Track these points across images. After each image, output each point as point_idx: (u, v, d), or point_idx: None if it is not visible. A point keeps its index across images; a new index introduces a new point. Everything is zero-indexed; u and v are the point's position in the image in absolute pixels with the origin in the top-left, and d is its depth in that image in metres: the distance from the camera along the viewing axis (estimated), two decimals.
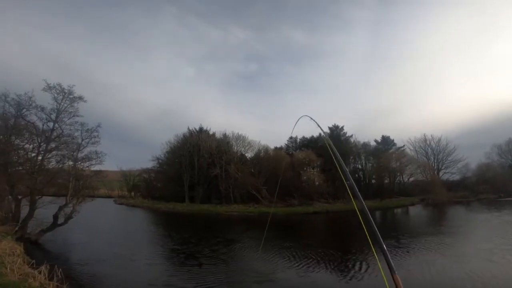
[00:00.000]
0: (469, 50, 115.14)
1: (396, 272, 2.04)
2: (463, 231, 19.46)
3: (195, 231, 21.63)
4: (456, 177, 49.17)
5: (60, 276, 8.46)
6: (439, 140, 49.72)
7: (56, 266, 9.03)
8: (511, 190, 41.86)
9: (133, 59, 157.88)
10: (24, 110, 16.10)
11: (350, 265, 12.03)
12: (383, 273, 2.22)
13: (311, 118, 5.57)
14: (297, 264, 12.10)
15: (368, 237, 2.46)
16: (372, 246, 2.47)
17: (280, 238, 17.67)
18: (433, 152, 50.19)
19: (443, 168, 49.57)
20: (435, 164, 49.74)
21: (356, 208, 2.77)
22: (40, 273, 8.72)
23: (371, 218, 2.44)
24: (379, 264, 2.38)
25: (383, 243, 2.21)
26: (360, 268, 11.48)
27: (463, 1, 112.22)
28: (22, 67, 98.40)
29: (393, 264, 2.07)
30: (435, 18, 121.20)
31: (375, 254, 2.64)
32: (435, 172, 48.07)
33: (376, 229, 2.34)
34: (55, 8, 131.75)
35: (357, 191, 2.90)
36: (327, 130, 50.91)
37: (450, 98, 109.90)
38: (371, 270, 10.97)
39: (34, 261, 9.90)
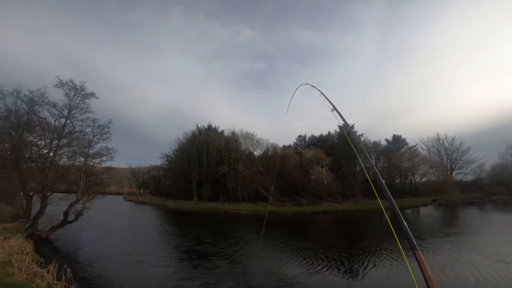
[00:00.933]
0: (481, 48, 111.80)
1: (418, 249, 2.05)
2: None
3: (206, 230, 21.29)
4: (470, 177, 48.22)
5: (68, 276, 8.30)
6: (453, 139, 48.56)
7: (65, 265, 8.90)
8: None
9: (142, 57, 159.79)
10: (37, 106, 16.16)
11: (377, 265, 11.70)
12: (404, 254, 2.43)
13: (313, 86, 5.10)
14: (317, 267, 11.62)
15: (389, 222, 2.52)
16: (392, 229, 2.47)
17: (297, 238, 17.41)
18: (446, 152, 49.07)
19: (456, 168, 48.46)
20: (448, 164, 48.61)
21: (378, 199, 2.89)
22: (48, 272, 8.47)
23: (395, 205, 2.52)
24: (398, 243, 2.51)
25: (406, 224, 2.27)
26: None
27: (474, 1, 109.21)
28: (34, 64, 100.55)
29: (415, 243, 2.12)
30: (445, 16, 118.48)
31: (395, 235, 2.51)
32: (448, 172, 46.93)
33: (400, 213, 2.39)
34: (67, 7, 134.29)
35: (384, 184, 2.87)
36: (337, 129, 50.31)
37: (462, 98, 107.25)
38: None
39: (43, 259, 9.80)
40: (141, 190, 53.60)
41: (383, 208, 2.81)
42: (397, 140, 50.93)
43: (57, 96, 16.35)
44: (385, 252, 13.25)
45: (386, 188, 2.83)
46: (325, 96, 4.49)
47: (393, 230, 2.48)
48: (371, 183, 3.25)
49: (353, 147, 3.58)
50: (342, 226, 25.87)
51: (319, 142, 49.30)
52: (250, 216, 31.14)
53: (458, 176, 48.28)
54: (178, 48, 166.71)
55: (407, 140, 51.21)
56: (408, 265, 2.20)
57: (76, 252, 13.75)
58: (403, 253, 2.37)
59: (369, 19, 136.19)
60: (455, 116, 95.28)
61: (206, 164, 42.60)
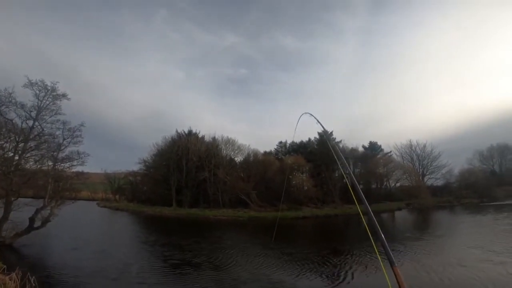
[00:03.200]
0: (456, 58, 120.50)
1: (396, 265, 2.12)
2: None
3: (187, 236, 20.44)
4: (440, 182, 50.64)
5: (33, 284, 7.92)
6: (424, 146, 51.21)
7: (28, 273, 8.40)
8: (493, 195, 43.41)
9: (123, 60, 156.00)
10: (3, 106, 15.18)
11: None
12: (383, 266, 2.39)
13: (311, 115, 5.67)
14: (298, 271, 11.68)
15: (369, 234, 2.59)
16: (373, 242, 2.54)
17: (278, 243, 17.35)
18: (418, 158, 51.61)
19: (427, 173, 50.95)
20: (420, 169, 51.02)
21: (358, 207, 3.00)
22: (11, 279, 8.18)
23: (373, 216, 2.62)
24: (379, 258, 2.60)
25: (383, 238, 2.32)
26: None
27: (451, 11, 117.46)
28: (6, 65, 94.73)
29: (393, 257, 2.16)
30: (423, 27, 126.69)
31: (376, 250, 2.70)
32: (420, 177, 49.19)
33: (378, 225, 2.43)
34: (45, 6, 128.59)
35: (361, 192, 3.00)
36: (316, 136, 51.46)
37: (434, 105, 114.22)
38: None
39: (5, 266, 9.31)
40: (117, 196, 51.54)
41: (362, 216, 2.89)
42: (373, 147, 52.87)
43: (26, 96, 15.47)
44: (363, 256, 13.63)
45: (362, 194, 2.99)
46: (322, 126, 5.03)
47: (373, 243, 2.57)
48: (350, 190, 3.38)
49: (335, 155, 3.81)
50: (321, 230, 26.29)
51: (300, 149, 50.05)
52: (230, 222, 30.93)
53: (429, 181, 50.81)
54: (160, 51, 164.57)
55: (382, 147, 53.43)
56: (386, 277, 2.27)
57: (43, 260, 13.09)
58: (382, 265, 2.37)
59: (351, 28, 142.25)
60: (427, 123, 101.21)
61: (186, 169, 41.82)
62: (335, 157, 3.83)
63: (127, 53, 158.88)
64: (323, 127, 5.00)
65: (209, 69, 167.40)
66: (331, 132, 51.34)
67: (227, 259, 13.71)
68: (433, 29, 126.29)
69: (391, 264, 2.15)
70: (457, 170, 50.90)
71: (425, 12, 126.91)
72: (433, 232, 21.50)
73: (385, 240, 2.32)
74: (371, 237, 2.59)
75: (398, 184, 49.45)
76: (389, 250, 2.27)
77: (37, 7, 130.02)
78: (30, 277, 8.26)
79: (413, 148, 51.99)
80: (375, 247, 2.63)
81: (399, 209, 40.82)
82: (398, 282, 2.02)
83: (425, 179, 50.28)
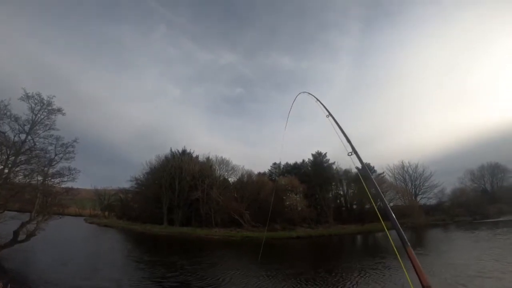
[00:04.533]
0: (448, 77, 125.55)
1: (409, 245, 2.27)
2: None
3: (180, 255, 19.63)
4: (433, 201, 50.62)
5: None
6: (416, 166, 51.71)
7: (9, 285, 8.30)
8: (485, 213, 43.63)
9: (120, 74, 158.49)
10: None
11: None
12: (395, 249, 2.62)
13: (309, 93, 5.53)
14: None
15: (379, 215, 2.92)
16: (384, 226, 2.87)
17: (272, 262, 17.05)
18: (410, 178, 51.88)
19: (420, 193, 51.03)
20: (413, 189, 51.18)
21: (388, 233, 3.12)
22: None
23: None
24: (391, 242, 2.79)
25: (396, 220, 2.55)
26: None
27: (440, 32, 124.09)
28: (4, 76, 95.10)
29: (406, 238, 2.31)
30: (413, 48, 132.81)
31: (388, 234, 2.98)
32: (413, 197, 49.31)
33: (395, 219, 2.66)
34: (43, 16, 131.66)
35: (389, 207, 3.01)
36: (310, 157, 51.96)
37: (429, 125, 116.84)
38: None
39: None
40: (106, 213, 50.30)
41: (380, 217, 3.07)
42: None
43: (20, 109, 15.63)
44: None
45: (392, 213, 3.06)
46: (321, 104, 4.77)
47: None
48: (373, 205, 3.47)
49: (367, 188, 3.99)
50: (316, 250, 25.89)
51: (294, 170, 50.34)
52: (223, 241, 30.40)
53: (422, 200, 50.70)
54: (158, 67, 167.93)
55: (375, 168, 53.82)
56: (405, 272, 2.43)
57: (24, 274, 12.79)
58: (397, 253, 2.55)
59: (345, 47, 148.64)
60: (420, 142, 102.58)
61: (178, 188, 41.41)
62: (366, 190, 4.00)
63: (125, 67, 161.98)
64: (323, 105, 4.69)
65: (205, 87, 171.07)
66: (325, 154, 52.07)
67: (224, 278, 13.45)
68: (423, 49, 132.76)
69: (404, 245, 2.35)
70: (449, 189, 51.33)
71: (415, 32, 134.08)
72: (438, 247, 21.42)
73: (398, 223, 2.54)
74: (381, 219, 2.91)
75: (391, 204, 49.40)
76: (402, 232, 2.50)
77: (38, 20, 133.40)
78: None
79: (405, 168, 52.53)
80: (387, 233, 2.96)
81: (393, 228, 40.41)
82: (412, 262, 2.21)
83: (418, 198, 50.36)
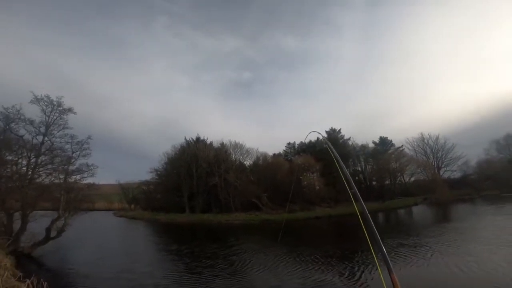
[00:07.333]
0: (463, 46, 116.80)
1: (394, 272, 2.12)
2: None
3: (205, 243, 19.42)
4: (457, 174, 48.82)
5: None
6: (437, 138, 49.63)
7: (41, 279, 8.90)
8: None
9: (129, 70, 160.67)
10: (13, 123, 15.95)
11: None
12: (381, 274, 2.35)
13: (319, 133, 6.99)
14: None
15: (369, 242, 2.61)
16: (372, 249, 2.62)
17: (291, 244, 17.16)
18: (432, 150, 49.97)
19: (443, 166, 49.19)
20: (435, 162, 49.36)
21: (361, 220, 2.87)
22: (26, 285, 8.79)
23: (374, 227, 2.57)
24: (378, 267, 2.67)
25: (383, 246, 2.31)
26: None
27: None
28: (16, 79, 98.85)
29: (391, 265, 2.15)
30: (426, 16, 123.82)
31: (375, 257, 2.84)
32: (436, 171, 47.62)
33: (378, 235, 2.45)
34: (49, 20, 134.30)
35: (360, 198, 3.03)
36: (324, 135, 50.91)
37: (445, 96, 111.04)
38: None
39: (21, 274, 9.84)
40: (132, 205, 52.73)
41: (362, 223, 2.85)
42: (384, 142, 51.67)
43: (33, 112, 16.19)
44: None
45: (360, 197, 3.04)
46: (329, 145, 5.14)
47: (371, 248, 2.62)
48: (351, 196, 3.38)
49: (339, 168, 3.90)
50: (336, 230, 25.93)
51: (309, 148, 49.61)
52: (243, 226, 30.87)
53: (446, 173, 49.04)
54: (164, 60, 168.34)
55: (393, 142, 52.11)
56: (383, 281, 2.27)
57: (60, 268, 13.53)
58: (382, 278, 2.33)
59: (350, 23, 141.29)
60: (439, 115, 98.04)
61: (196, 176, 42.29)
62: (338, 168, 3.97)
63: (132, 63, 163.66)
64: (330, 146, 5.04)
65: (213, 73, 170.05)
66: (339, 130, 50.92)
67: (250, 262, 13.69)
68: (435, 18, 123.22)
69: (390, 272, 2.14)
70: (474, 161, 48.98)
71: (425, 1, 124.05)
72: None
73: (384, 249, 2.30)
74: (370, 245, 2.65)
75: (412, 179, 48.12)
76: (388, 258, 2.25)
77: (42, 21, 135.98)
78: (43, 283, 8.77)
79: (426, 141, 50.52)
80: (374, 256, 2.65)
81: (416, 204, 39.62)
82: None
83: (441, 172, 48.60)
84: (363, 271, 11.04)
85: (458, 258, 11.59)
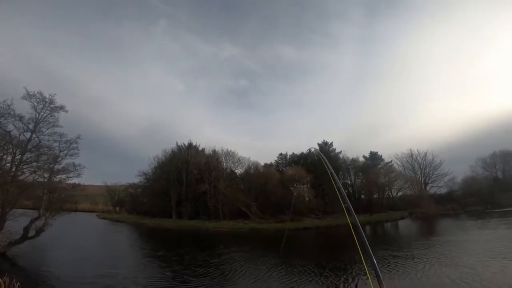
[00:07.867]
0: (455, 64, 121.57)
1: (383, 284, 2.24)
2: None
3: (192, 249, 19.11)
4: (443, 190, 49.75)
5: None
6: (425, 154, 50.72)
7: (14, 279, 8.52)
8: (497, 202, 42.49)
9: (124, 72, 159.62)
10: (2, 118, 15.51)
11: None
12: (370, 282, 2.47)
13: (319, 152, 7.48)
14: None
15: (360, 251, 2.70)
16: (362, 259, 2.70)
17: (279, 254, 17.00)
18: (419, 166, 50.95)
19: (430, 182, 50.13)
20: (422, 178, 50.29)
21: (353, 232, 3.06)
22: None
23: (365, 239, 2.73)
24: (369, 276, 2.71)
25: (373, 256, 2.43)
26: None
27: (447, 18, 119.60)
28: (7, 76, 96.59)
29: (381, 275, 2.27)
30: (420, 33, 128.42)
31: (365, 266, 2.87)
32: (423, 186, 48.50)
33: (368, 244, 2.61)
34: (47, 19, 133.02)
35: (354, 212, 3.22)
36: (316, 147, 51.46)
37: (435, 114, 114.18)
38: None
39: None
40: (117, 208, 51.48)
41: (354, 235, 2.98)
42: (374, 157, 52.58)
43: (23, 108, 15.82)
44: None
45: (353, 211, 3.19)
46: (327, 165, 5.55)
47: (362, 258, 2.70)
48: (344, 210, 3.56)
49: (334, 184, 4.08)
50: (322, 241, 25.87)
51: (300, 160, 49.95)
52: (232, 234, 30.50)
53: (432, 189, 49.94)
54: (161, 62, 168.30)
55: (383, 157, 53.15)
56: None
57: (35, 268, 13.10)
58: (370, 279, 2.49)
59: (347, 36, 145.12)
60: (430, 131, 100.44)
61: (186, 182, 41.80)
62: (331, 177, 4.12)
63: (128, 65, 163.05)
64: (328, 166, 5.40)
65: (209, 80, 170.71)
66: (331, 143, 51.52)
67: (235, 270, 13.44)
68: (429, 36, 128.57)
69: (379, 281, 2.24)
70: (460, 178, 50.21)
71: (421, 19, 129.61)
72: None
73: (374, 259, 2.41)
74: (361, 255, 2.71)
75: (400, 194, 48.81)
76: (378, 268, 2.34)
77: (39, 19, 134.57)
78: (15, 283, 8.42)
79: (414, 157, 51.56)
80: (365, 265, 2.74)
81: (402, 218, 40.06)
82: None
83: (428, 187, 49.54)
84: (353, 280, 11.02)
85: (453, 270, 11.66)
